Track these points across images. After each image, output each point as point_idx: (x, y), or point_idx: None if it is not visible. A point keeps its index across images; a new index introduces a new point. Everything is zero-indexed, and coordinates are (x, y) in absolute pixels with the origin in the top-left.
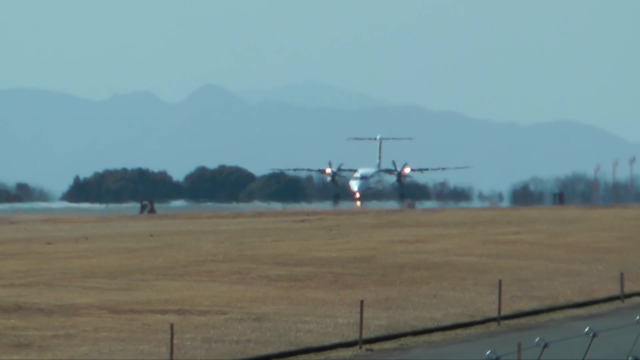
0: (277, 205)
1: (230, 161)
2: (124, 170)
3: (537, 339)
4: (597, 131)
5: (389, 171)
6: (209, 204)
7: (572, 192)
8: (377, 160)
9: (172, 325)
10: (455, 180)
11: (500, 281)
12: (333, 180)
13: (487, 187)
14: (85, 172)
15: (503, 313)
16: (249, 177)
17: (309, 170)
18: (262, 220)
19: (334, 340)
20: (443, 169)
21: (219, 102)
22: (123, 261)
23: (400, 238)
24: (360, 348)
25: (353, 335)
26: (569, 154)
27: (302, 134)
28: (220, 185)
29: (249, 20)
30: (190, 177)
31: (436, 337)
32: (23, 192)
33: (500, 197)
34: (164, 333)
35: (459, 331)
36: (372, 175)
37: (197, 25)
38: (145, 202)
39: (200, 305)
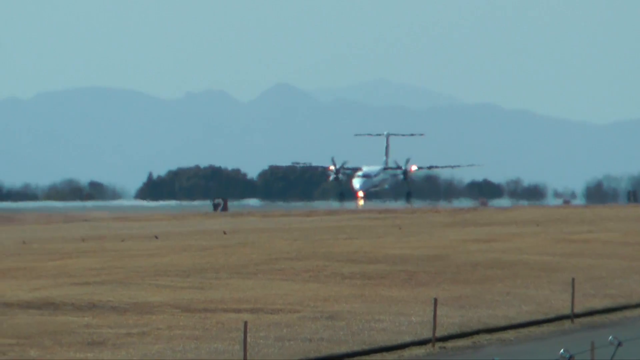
0: (350, 204)
1: (303, 159)
2: (197, 167)
3: (610, 338)
4: None
5: (394, 169)
6: (283, 202)
7: None
8: (384, 157)
9: (245, 324)
10: (528, 178)
11: (573, 279)
12: (336, 178)
13: (560, 185)
14: (159, 170)
15: (576, 311)
16: (322, 175)
17: (311, 166)
18: (335, 218)
19: (407, 338)
20: (453, 166)
21: (291, 101)
22: (196, 259)
23: (473, 237)
24: (434, 346)
25: (426, 334)
26: None
27: (374, 133)
28: (293, 183)
29: (321, 19)
30: (263, 175)
31: (509, 334)
32: (96, 191)
33: (573, 195)
34: (238, 331)
35: (532, 329)
36: (376, 174)
37: (271, 24)
38: (218, 200)
39: (274, 304)
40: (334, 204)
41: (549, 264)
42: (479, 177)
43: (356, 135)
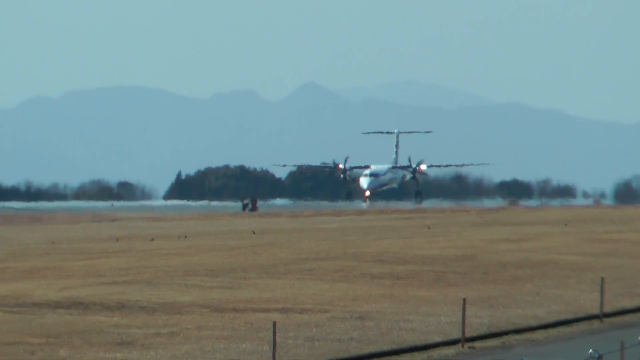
0: (380, 204)
1: (332, 159)
2: (226, 167)
3: (639, 338)
4: None
5: (403, 168)
6: (310, 202)
7: None
8: (394, 156)
9: (274, 324)
10: (557, 178)
11: (602, 279)
12: (344, 177)
13: (589, 185)
14: (188, 170)
15: (606, 310)
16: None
17: (319, 166)
18: (364, 218)
19: (437, 338)
20: (460, 165)
21: (320, 101)
22: (225, 259)
23: (502, 236)
24: (463, 346)
25: (455, 334)
26: None
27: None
28: (322, 183)
29: (349, 19)
30: (291, 175)
31: (538, 335)
32: (125, 190)
33: (602, 195)
34: (267, 331)
35: (561, 329)
36: (384, 173)
37: (298, 24)
38: (247, 201)
39: (303, 304)
40: (362, 205)
41: (578, 263)
42: (507, 176)
43: (365, 133)
